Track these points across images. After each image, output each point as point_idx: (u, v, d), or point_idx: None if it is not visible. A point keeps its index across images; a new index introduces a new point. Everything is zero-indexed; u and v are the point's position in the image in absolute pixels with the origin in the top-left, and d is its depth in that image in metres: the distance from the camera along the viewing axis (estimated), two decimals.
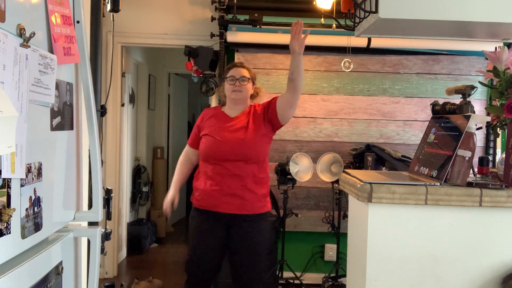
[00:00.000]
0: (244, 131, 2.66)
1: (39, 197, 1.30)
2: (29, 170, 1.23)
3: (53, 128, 1.42)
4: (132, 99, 5.46)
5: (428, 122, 2.22)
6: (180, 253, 5.40)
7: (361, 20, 2.22)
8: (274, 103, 2.70)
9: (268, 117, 2.70)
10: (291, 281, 3.94)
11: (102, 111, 2.50)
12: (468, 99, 2.06)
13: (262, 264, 2.76)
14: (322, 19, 3.47)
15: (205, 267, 2.72)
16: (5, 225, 1.11)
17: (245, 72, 2.75)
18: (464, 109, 2.00)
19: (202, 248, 2.71)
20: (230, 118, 2.73)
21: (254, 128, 2.67)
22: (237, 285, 2.77)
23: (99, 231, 1.68)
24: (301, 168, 3.74)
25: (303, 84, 2.64)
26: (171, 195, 2.81)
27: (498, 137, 2.15)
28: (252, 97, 2.82)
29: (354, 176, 1.97)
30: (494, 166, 2.17)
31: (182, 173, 2.89)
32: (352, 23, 2.35)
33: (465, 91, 2.06)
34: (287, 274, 3.91)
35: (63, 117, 1.49)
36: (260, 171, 2.67)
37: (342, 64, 3.93)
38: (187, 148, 2.90)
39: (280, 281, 3.92)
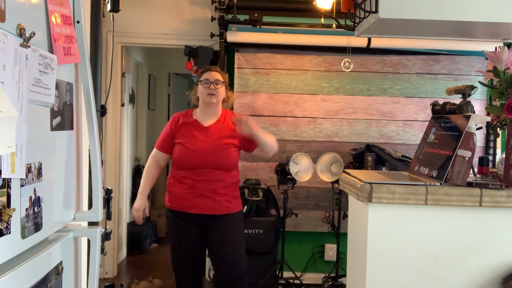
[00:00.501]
0: (216, 141, 2.74)
1: (39, 197, 1.30)
2: (29, 170, 1.23)
3: (53, 128, 1.42)
4: (132, 99, 5.46)
5: (428, 122, 2.22)
6: None
7: (361, 20, 2.22)
8: (251, 147, 2.80)
9: (243, 146, 2.81)
10: (291, 281, 3.94)
11: (102, 111, 2.49)
12: (468, 99, 2.06)
13: (240, 257, 2.82)
14: (322, 19, 3.47)
15: (188, 263, 2.85)
16: (5, 225, 1.11)
17: (218, 76, 2.81)
18: (464, 109, 2.00)
19: (182, 247, 2.83)
20: (203, 127, 2.79)
21: (226, 140, 2.75)
22: (220, 279, 2.86)
23: (99, 231, 1.68)
24: (301, 168, 3.74)
25: (275, 147, 2.81)
26: (140, 203, 2.88)
27: (498, 137, 2.15)
28: (223, 101, 2.88)
29: (354, 176, 1.97)
30: (494, 166, 2.17)
31: (150, 179, 2.95)
32: (352, 23, 2.35)
33: (465, 91, 2.06)
34: (287, 274, 3.91)
35: (63, 117, 1.49)
36: (228, 177, 2.77)
37: (342, 64, 3.92)
38: (155, 152, 2.92)
39: (280, 281, 3.92)
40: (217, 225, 2.76)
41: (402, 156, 3.51)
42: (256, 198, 3.81)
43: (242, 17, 3.95)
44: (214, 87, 2.77)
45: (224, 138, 2.75)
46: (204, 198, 2.71)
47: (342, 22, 2.44)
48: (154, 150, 2.93)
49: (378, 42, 4.01)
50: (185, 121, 2.83)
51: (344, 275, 3.76)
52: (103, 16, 2.48)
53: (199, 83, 2.83)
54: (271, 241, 3.83)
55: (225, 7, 4.02)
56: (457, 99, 2.10)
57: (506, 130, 1.86)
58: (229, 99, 2.93)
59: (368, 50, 4.07)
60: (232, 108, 3.93)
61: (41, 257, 1.34)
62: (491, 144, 4.08)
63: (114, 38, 2.89)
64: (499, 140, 4.05)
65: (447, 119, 2.03)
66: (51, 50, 1.38)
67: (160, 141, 2.90)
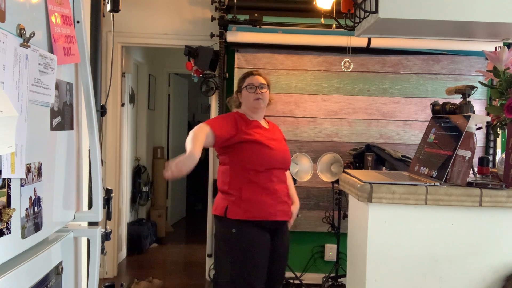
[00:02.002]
0: (281, 141, 2.70)
1: (39, 197, 1.30)
2: (29, 170, 1.23)
3: (53, 128, 1.42)
4: (132, 99, 5.46)
5: (428, 122, 2.22)
6: (180, 253, 5.41)
7: (361, 20, 2.22)
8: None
9: None
10: (291, 281, 3.94)
11: (102, 111, 2.50)
12: (468, 99, 2.06)
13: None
14: (322, 19, 3.47)
15: (264, 277, 2.57)
16: (5, 225, 1.11)
17: (262, 80, 2.69)
18: (464, 109, 2.00)
19: (262, 261, 2.54)
20: (265, 128, 2.68)
21: (284, 142, 2.74)
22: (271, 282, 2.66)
23: (99, 231, 1.68)
24: (301, 168, 3.74)
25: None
26: (195, 162, 2.25)
27: (498, 137, 2.15)
28: (267, 104, 2.75)
29: (354, 176, 1.97)
30: (494, 166, 2.17)
31: (202, 142, 2.34)
32: (352, 23, 2.35)
33: (465, 91, 2.06)
34: (287, 274, 3.90)
35: (63, 117, 1.49)
36: (287, 177, 2.73)
37: (342, 64, 3.92)
38: (208, 130, 2.42)
39: None
40: (283, 230, 2.67)
41: (402, 156, 3.51)
42: None
43: (242, 17, 3.95)
44: (260, 91, 2.63)
45: (284, 141, 2.74)
46: (284, 204, 2.60)
47: (342, 22, 2.44)
48: (205, 126, 2.44)
49: (378, 42, 4.01)
50: (246, 121, 2.62)
51: (344, 275, 3.76)
52: (103, 16, 2.48)
53: (243, 88, 2.67)
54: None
55: (225, 7, 4.02)
56: (457, 99, 2.10)
57: (506, 130, 1.86)
58: (271, 102, 2.77)
59: (368, 50, 4.07)
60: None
61: (41, 257, 1.34)
62: (491, 144, 4.08)
63: (114, 38, 2.89)
64: (499, 140, 4.05)
65: (447, 119, 2.03)
66: (51, 50, 1.38)
67: (218, 123, 2.53)
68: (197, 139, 2.32)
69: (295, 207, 2.75)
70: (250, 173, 2.52)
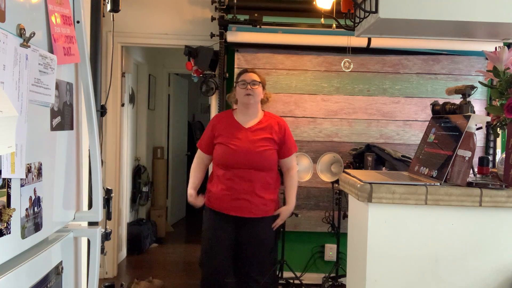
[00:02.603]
0: (256, 142, 2.81)
1: (39, 197, 1.30)
2: (29, 170, 1.23)
3: (53, 128, 1.42)
4: (132, 99, 5.46)
5: (428, 122, 2.22)
6: (180, 253, 5.41)
7: (361, 20, 2.22)
8: (282, 157, 2.93)
9: (278, 152, 2.92)
10: (291, 281, 3.94)
11: (102, 111, 2.49)
12: (468, 99, 2.06)
13: (266, 259, 2.95)
14: (322, 19, 3.47)
15: (218, 263, 2.89)
16: (5, 225, 1.11)
17: (255, 77, 2.89)
18: (464, 109, 2.00)
19: (215, 246, 2.89)
20: (244, 128, 2.86)
21: (266, 142, 2.83)
22: (242, 277, 2.92)
23: (99, 231, 1.68)
24: (301, 168, 3.73)
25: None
26: (198, 202, 2.93)
27: (498, 137, 2.15)
28: (262, 102, 2.95)
29: (354, 176, 1.97)
30: (494, 166, 2.17)
31: (198, 177, 3.01)
32: (352, 23, 2.35)
33: (465, 91, 2.06)
34: (287, 274, 3.91)
35: (63, 117, 1.49)
36: (268, 178, 2.85)
37: (342, 64, 3.92)
38: (200, 154, 3.01)
39: (280, 281, 3.91)
40: (251, 227, 2.84)
41: (402, 156, 3.51)
42: None
43: (242, 17, 3.95)
44: (251, 87, 2.84)
45: (264, 140, 2.82)
46: (241, 201, 2.79)
47: (342, 22, 2.44)
48: (199, 151, 3.02)
49: (378, 42, 4.01)
50: (226, 122, 2.91)
51: (344, 275, 3.76)
52: (103, 16, 2.48)
53: (237, 84, 2.90)
54: (271, 241, 3.82)
55: (225, 7, 4.02)
56: (457, 99, 2.10)
57: (506, 130, 1.86)
58: (268, 99, 2.99)
59: (368, 50, 4.07)
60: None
61: (41, 257, 1.34)
62: (491, 144, 4.08)
63: (114, 38, 2.89)
64: (499, 140, 4.05)
65: (447, 119, 2.03)
66: (51, 50, 1.38)
67: (203, 143, 2.98)
68: (190, 177, 3.01)
69: (286, 209, 2.96)
70: (217, 170, 2.87)
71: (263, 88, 2.92)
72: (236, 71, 4.11)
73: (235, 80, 2.98)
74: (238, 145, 2.80)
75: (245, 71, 2.95)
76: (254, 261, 2.90)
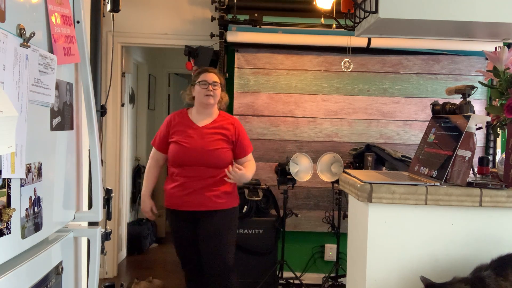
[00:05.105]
0: (209, 141, 2.83)
1: (39, 197, 1.30)
2: (29, 170, 1.23)
3: (53, 128, 1.42)
4: (132, 99, 5.46)
5: (428, 122, 2.22)
6: None
7: (361, 20, 2.22)
8: (238, 156, 2.93)
9: (234, 152, 2.93)
10: (291, 281, 3.94)
11: (102, 111, 2.50)
12: (468, 99, 2.06)
13: (227, 252, 2.90)
14: (322, 19, 3.47)
15: (189, 258, 2.98)
16: (5, 225, 1.11)
17: (216, 78, 2.90)
18: (464, 109, 2.00)
19: (180, 244, 2.99)
20: (198, 127, 2.88)
21: (220, 141, 2.85)
22: (207, 272, 2.93)
23: (99, 231, 1.68)
24: (301, 168, 3.73)
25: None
26: (145, 205, 3.04)
27: (498, 137, 2.15)
28: (218, 102, 2.97)
29: (354, 176, 1.97)
30: (494, 166, 2.17)
31: (151, 179, 3.06)
32: (352, 23, 2.35)
33: (465, 91, 2.06)
34: (287, 274, 3.91)
35: (63, 117, 1.49)
36: (221, 173, 2.82)
37: (342, 64, 3.92)
38: (154, 152, 3.02)
39: (280, 281, 3.91)
40: (207, 220, 2.84)
41: (402, 156, 3.51)
42: (256, 198, 3.81)
43: (242, 17, 3.95)
44: (212, 88, 2.85)
45: (218, 140, 2.84)
46: (193, 195, 2.80)
47: (342, 22, 2.44)
48: (153, 150, 3.03)
49: (378, 42, 4.01)
50: (180, 121, 2.92)
51: (344, 275, 3.76)
52: (103, 16, 2.48)
53: (197, 83, 2.89)
54: (271, 241, 3.83)
55: (225, 7, 4.02)
56: (457, 99, 2.10)
57: (506, 130, 1.86)
58: (223, 99, 3.01)
59: (368, 50, 4.07)
60: (231, 109, 3.95)
61: (41, 257, 1.34)
62: (491, 144, 4.08)
63: (114, 38, 2.89)
64: (499, 140, 4.05)
65: (447, 119, 2.03)
66: (51, 50, 1.38)
67: (157, 140, 2.99)
68: (145, 180, 3.08)
69: (240, 170, 2.80)
70: (171, 168, 2.91)
71: (222, 89, 2.96)
72: (236, 71, 4.12)
73: (193, 77, 2.98)
74: (191, 143, 2.82)
75: (205, 70, 2.95)
76: (216, 254, 2.87)
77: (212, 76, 2.88)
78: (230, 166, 2.80)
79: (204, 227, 2.86)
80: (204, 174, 2.80)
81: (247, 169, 2.88)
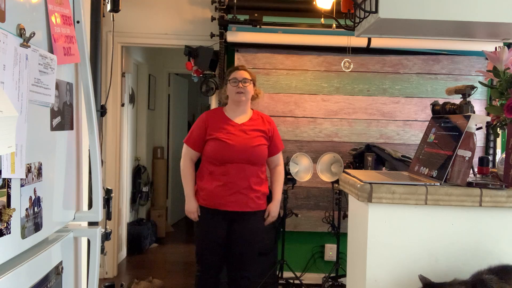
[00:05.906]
0: (251, 137, 2.85)
1: (39, 197, 1.30)
2: (29, 170, 1.23)
3: (53, 128, 1.42)
4: (132, 99, 5.46)
5: (428, 122, 2.22)
6: (180, 253, 5.41)
7: (361, 20, 2.22)
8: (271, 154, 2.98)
9: (269, 148, 2.96)
10: (291, 281, 3.94)
11: (102, 111, 2.49)
12: (468, 99, 2.06)
13: (262, 254, 3.01)
14: (322, 19, 3.47)
15: (211, 260, 2.94)
16: (5, 225, 1.11)
17: (246, 74, 2.91)
18: (464, 109, 2.00)
19: (208, 244, 2.94)
20: (237, 124, 2.89)
21: (259, 138, 2.87)
22: (234, 273, 2.97)
23: (99, 231, 1.68)
24: (301, 168, 3.74)
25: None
26: (191, 205, 2.93)
27: (498, 137, 2.15)
28: (252, 98, 2.98)
29: (354, 176, 1.97)
30: (494, 166, 2.17)
31: (192, 179, 2.96)
32: (352, 23, 2.34)
33: (465, 91, 2.06)
34: (287, 274, 3.91)
35: (63, 117, 1.49)
36: (260, 173, 2.88)
37: (342, 64, 3.92)
38: (189, 151, 2.95)
39: (280, 281, 3.91)
40: (245, 221, 2.86)
41: (402, 156, 3.51)
42: None
43: (242, 17, 3.95)
44: (242, 85, 2.87)
45: (259, 137, 2.87)
46: (238, 195, 2.80)
47: (342, 22, 2.44)
48: (187, 148, 2.96)
49: (378, 42, 4.01)
50: (218, 118, 2.92)
51: (344, 275, 3.76)
52: (103, 16, 2.48)
53: (228, 82, 2.92)
54: (271, 241, 3.83)
55: (225, 7, 4.02)
56: (457, 99, 2.10)
57: (506, 130, 1.86)
58: (258, 96, 3.02)
59: (368, 50, 4.07)
60: None
61: (41, 257, 1.34)
62: (491, 144, 4.07)
63: (114, 38, 2.89)
64: (499, 140, 4.05)
65: (447, 119, 2.03)
66: (51, 50, 1.38)
67: (192, 139, 2.94)
68: (187, 182, 2.93)
69: (273, 205, 2.98)
70: (210, 166, 2.85)
71: (254, 85, 2.96)
72: None
73: (226, 77, 3.00)
74: (233, 139, 2.82)
75: (236, 68, 2.97)
76: (247, 256, 2.92)
77: (242, 73, 2.90)
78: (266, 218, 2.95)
79: (243, 228, 2.88)
80: (247, 171, 2.80)
81: (276, 189, 3.01)
